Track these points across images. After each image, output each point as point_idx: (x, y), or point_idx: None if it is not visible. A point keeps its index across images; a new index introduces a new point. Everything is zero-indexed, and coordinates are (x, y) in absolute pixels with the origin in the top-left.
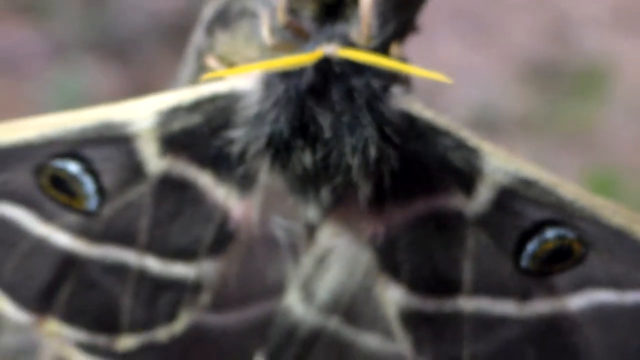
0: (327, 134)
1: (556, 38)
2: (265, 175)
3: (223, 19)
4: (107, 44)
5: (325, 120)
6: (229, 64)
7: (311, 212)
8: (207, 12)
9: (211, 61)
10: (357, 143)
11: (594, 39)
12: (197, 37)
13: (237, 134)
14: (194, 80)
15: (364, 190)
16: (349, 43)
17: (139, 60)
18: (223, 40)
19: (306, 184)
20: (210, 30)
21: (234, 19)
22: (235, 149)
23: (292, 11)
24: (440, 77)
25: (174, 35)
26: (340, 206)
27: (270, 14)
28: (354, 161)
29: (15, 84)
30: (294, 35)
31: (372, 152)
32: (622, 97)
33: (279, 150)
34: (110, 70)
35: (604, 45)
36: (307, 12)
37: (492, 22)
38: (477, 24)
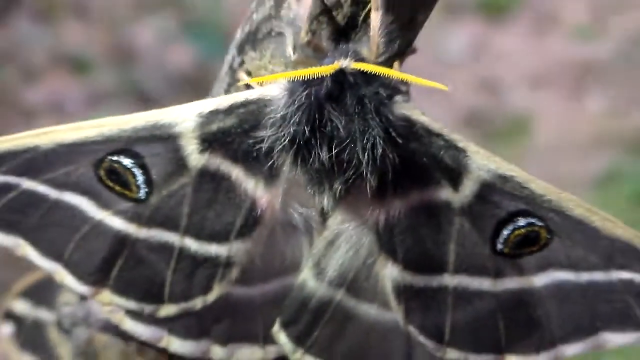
0: (342, 133)
1: (489, 91)
2: (288, 168)
3: (253, 39)
4: (136, 92)
5: (340, 122)
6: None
7: (325, 201)
8: (240, 33)
9: (242, 75)
10: (366, 142)
11: (518, 95)
12: (230, 55)
13: (266, 133)
14: (227, 92)
15: (371, 182)
16: (360, 58)
17: (161, 105)
18: (252, 57)
19: (322, 176)
20: (241, 49)
21: (262, 39)
22: (264, 146)
23: (313, 32)
24: (438, 85)
25: (189, 85)
26: (349, 196)
27: (294, 34)
28: (364, 157)
29: (60, 123)
30: (314, 52)
31: (379, 149)
32: (538, 141)
33: (301, 147)
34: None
35: (526, 100)
36: (325, 33)
37: (437, 79)
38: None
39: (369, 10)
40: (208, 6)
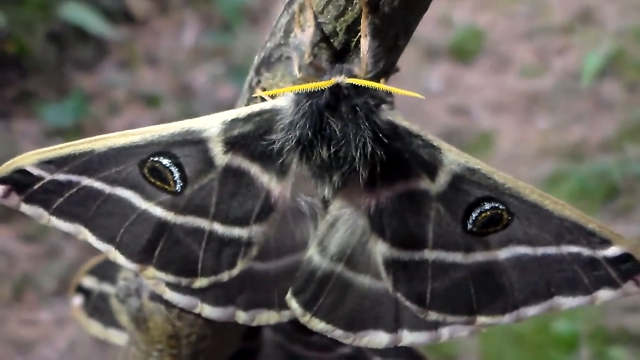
0: (338, 135)
1: (461, 114)
2: (295, 165)
3: (267, 63)
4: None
5: (337, 126)
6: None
7: (326, 191)
8: (256, 59)
9: (258, 92)
10: (358, 142)
11: (483, 118)
12: (249, 76)
13: (277, 136)
14: (247, 105)
15: (363, 175)
16: (353, 75)
17: None
18: (266, 77)
19: (323, 171)
20: (257, 71)
21: (274, 62)
22: (275, 147)
23: (314, 55)
24: (415, 94)
25: None
26: (345, 187)
27: (299, 57)
28: (357, 154)
29: None
30: (315, 71)
31: (369, 148)
32: (500, 151)
33: (305, 147)
34: None
35: (489, 121)
36: (324, 56)
37: (422, 105)
38: (409, 106)
39: (359, 38)
40: (246, 55)
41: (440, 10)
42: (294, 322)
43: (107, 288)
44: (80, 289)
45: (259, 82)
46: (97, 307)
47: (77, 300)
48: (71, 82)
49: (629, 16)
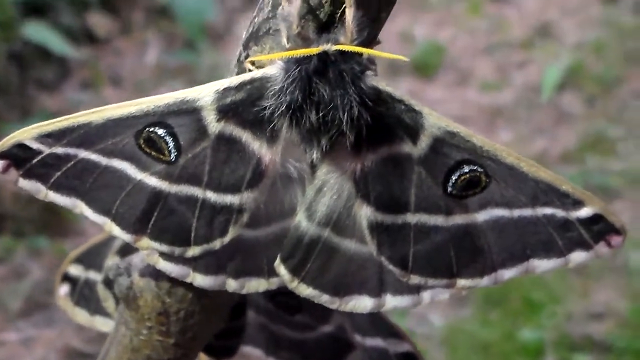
0: (327, 99)
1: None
2: (285, 130)
3: (255, 37)
4: None
5: (325, 91)
6: (259, 67)
7: (314, 155)
8: (245, 34)
9: (248, 65)
10: (345, 106)
11: None
12: (237, 51)
13: (267, 103)
14: None
15: (350, 138)
16: (339, 43)
17: None
18: (255, 50)
19: (312, 135)
20: (246, 46)
21: (262, 36)
22: (266, 113)
23: (302, 26)
24: (399, 57)
25: None
26: (332, 151)
27: (288, 27)
28: (344, 117)
29: None
30: (303, 42)
31: (355, 112)
32: None
33: (295, 111)
34: None
35: None
36: (311, 27)
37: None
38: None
39: (344, 9)
40: (210, 73)
41: (402, 26)
42: (277, 302)
43: (93, 275)
44: (67, 278)
45: (247, 56)
46: (84, 295)
47: (64, 289)
48: (34, 103)
49: (587, 30)
